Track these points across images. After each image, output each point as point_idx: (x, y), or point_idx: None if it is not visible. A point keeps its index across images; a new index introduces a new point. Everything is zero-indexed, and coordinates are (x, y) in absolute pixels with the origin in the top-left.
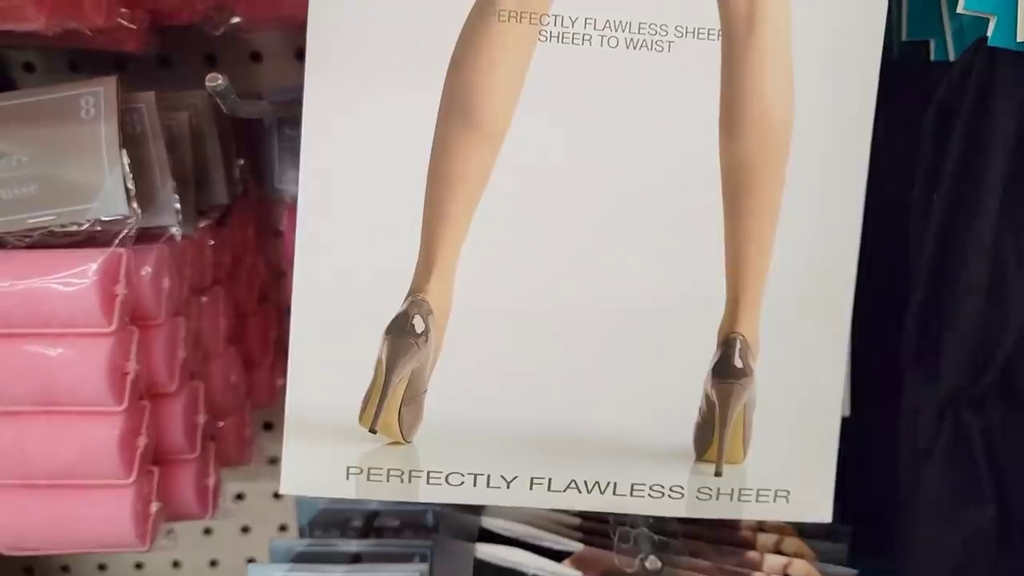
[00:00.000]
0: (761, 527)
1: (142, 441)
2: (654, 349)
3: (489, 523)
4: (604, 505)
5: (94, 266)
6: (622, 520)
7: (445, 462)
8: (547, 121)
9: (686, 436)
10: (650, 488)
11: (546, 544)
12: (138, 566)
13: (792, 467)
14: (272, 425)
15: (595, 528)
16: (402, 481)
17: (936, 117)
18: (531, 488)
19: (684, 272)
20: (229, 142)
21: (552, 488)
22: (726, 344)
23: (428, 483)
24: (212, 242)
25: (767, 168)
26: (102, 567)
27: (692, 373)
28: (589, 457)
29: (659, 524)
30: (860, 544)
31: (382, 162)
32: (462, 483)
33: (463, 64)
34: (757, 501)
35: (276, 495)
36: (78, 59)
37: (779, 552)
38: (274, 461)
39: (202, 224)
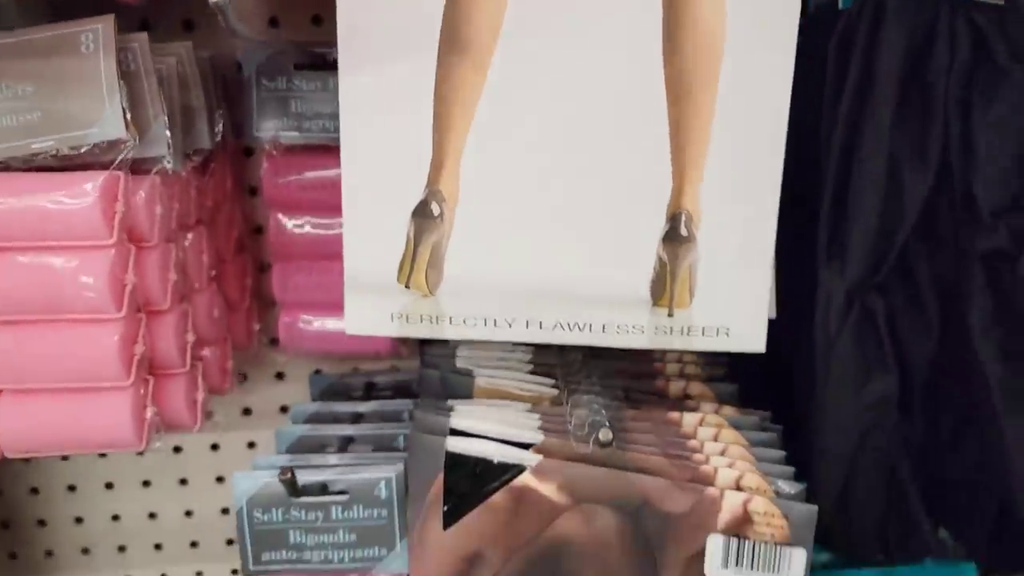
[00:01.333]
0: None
1: (139, 348)
2: (618, 224)
3: (459, 423)
4: (583, 340)
5: (95, 184)
6: (577, 403)
7: (462, 309)
8: (524, 47)
9: (644, 290)
10: (617, 327)
11: (511, 438)
12: (115, 518)
13: (730, 309)
14: (246, 376)
15: (554, 426)
16: (432, 323)
17: (838, 44)
18: (527, 327)
19: (639, 163)
20: (211, 90)
21: (543, 327)
22: (673, 218)
23: (451, 324)
24: (196, 185)
25: (702, 77)
26: (79, 520)
27: (647, 241)
28: (569, 305)
29: (613, 427)
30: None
31: (399, 88)
32: (475, 324)
33: (454, 5)
34: (703, 335)
35: (250, 445)
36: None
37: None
38: (247, 412)
39: (187, 166)
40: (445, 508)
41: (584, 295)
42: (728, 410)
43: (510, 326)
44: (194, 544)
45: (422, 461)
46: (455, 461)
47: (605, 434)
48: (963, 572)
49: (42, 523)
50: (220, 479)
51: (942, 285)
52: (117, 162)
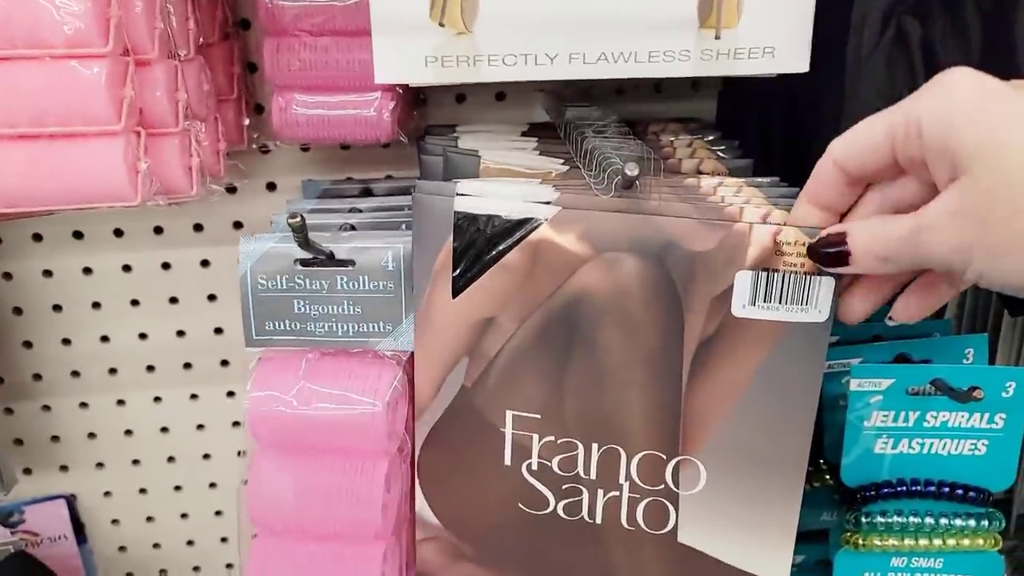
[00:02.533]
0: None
1: (128, 92)
2: None
3: (467, 189)
4: (627, 72)
5: None
6: (594, 157)
7: (501, 46)
8: None
9: (691, 10)
10: (663, 54)
11: (525, 198)
12: (104, 339)
13: (776, 28)
14: (236, 188)
15: (570, 186)
16: (468, 65)
17: None
18: (570, 62)
19: None
20: None
21: (586, 61)
22: None
23: (489, 65)
24: None
25: None
26: (67, 341)
27: None
28: (612, 33)
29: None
30: None
31: None
32: (515, 63)
33: None
34: (749, 58)
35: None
36: None
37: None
38: (238, 225)
39: None
40: (454, 274)
41: (628, 21)
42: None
43: (552, 61)
44: (187, 366)
45: (428, 225)
46: (465, 221)
47: (631, 168)
48: (975, 343)
49: (28, 344)
50: (212, 297)
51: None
52: None
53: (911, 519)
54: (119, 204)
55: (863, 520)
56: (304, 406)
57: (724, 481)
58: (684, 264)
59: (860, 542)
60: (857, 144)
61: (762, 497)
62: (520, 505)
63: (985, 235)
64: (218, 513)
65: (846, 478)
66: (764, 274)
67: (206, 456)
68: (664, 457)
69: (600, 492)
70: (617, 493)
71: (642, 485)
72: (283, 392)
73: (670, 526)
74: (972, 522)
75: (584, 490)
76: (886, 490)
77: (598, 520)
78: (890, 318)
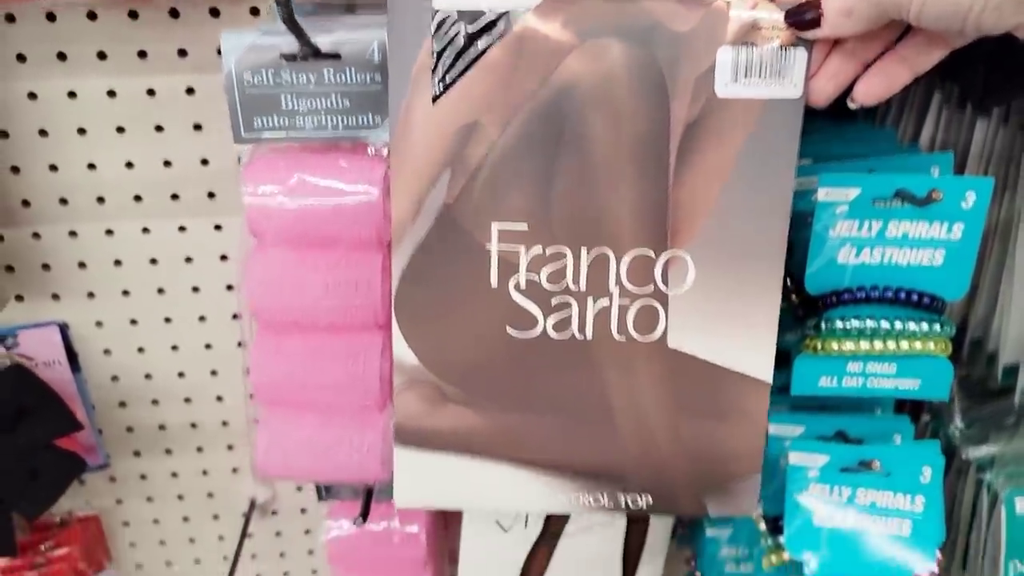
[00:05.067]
0: None
1: None
2: None
3: None
4: None
5: None
6: None
7: None
8: None
9: None
10: None
11: None
12: (91, 166)
13: None
14: (219, 12)
15: None
16: None
17: None
18: None
19: None
20: None
21: None
22: None
23: None
24: None
25: None
26: (54, 168)
27: None
28: None
29: None
30: None
31: None
32: None
33: None
34: None
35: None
36: None
37: None
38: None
39: None
40: (434, 79)
41: None
42: None
43: None
44: (175, 196)
45: (404, 28)
46: (444, 19)
47: None
48: (940, 160)
49: (15, 170)
50: (197, 127)
51: None
52: None
53: (868, 323)
54: None
55: (823, 326)
56: (301, 198)
57: (711, 276)
58: (668, 46)
59: (819, 346)
60: None
61: (746, 290)
62: (508, 329)
63: None
64: (208, 346)
65: (810, 286)
66: (744, 48)
67: (195, 289)
68: (653, 255)
69: (590, 302)
70: (607, 302)
71: (631, 289)
72: (279, 185)
73: (660, 331)
74: (924, 325)
75: (573, 303)
76: (846, 296)
77: (588, 335)
78: (851, 99)
